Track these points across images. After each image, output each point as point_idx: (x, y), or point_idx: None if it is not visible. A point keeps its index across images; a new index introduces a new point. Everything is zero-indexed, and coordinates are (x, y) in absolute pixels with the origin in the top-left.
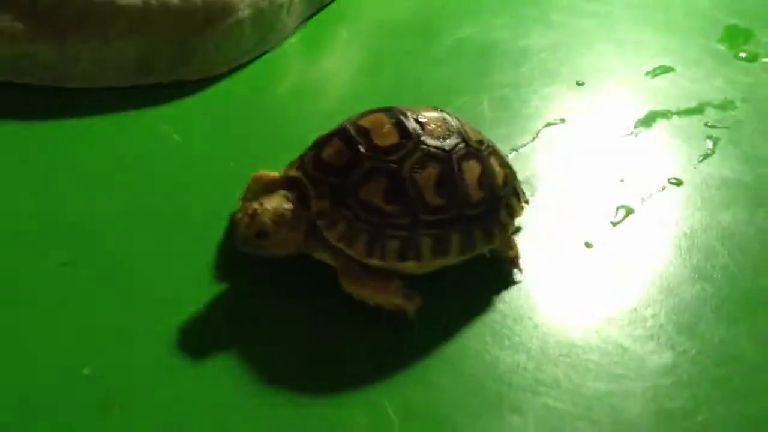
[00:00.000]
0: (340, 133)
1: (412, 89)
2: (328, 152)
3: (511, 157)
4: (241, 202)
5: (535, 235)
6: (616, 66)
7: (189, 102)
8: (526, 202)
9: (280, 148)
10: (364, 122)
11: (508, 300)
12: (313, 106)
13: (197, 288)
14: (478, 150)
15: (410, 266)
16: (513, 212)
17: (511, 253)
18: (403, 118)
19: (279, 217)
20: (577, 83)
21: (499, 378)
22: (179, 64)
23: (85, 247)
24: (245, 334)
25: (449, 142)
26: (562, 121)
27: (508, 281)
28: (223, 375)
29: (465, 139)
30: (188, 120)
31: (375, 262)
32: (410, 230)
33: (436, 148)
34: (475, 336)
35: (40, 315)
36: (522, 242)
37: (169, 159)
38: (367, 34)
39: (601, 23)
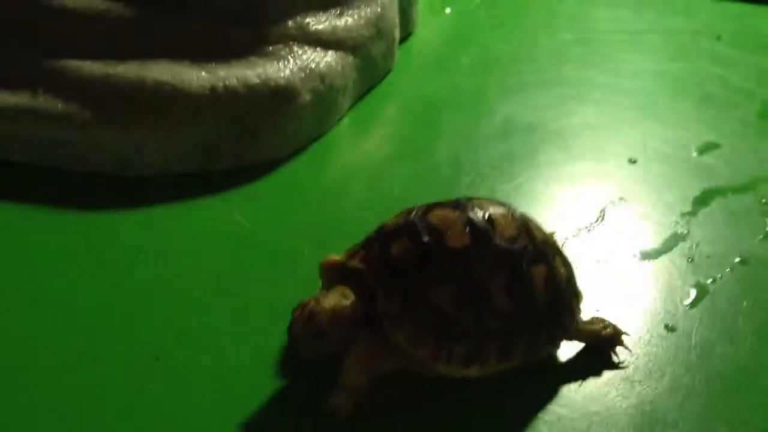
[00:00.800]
0: (409, 229)
1: (468, 169)
2: (396, 249)
3: (577, 238)
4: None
5: (614, 320)
6: (662, 143)
7: (254, 187)
8: (582, 297)
9: (344, 231)
10: (434, 219)
11: (605, 386)
12: (374, 187)
13: (275, 375)
14: (545, 252)
15: (474, 371)
16: (574, 314)
17: (608, 331)
18: (473, 217)
19: (335, 316)
20: (630, 161)
21: None
22: (243, 149)
23: (169, 338)
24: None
25: (518, 245)
26: (622, 199)
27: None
28: None
29: (532, 240)
30: (255, 204)
31: (439, 366)
32: (477, 336)
33: (506, 251)
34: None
35: (136, 407)
36: None
37: (241, 244)
38: (416, 112)
39: (640, 100)
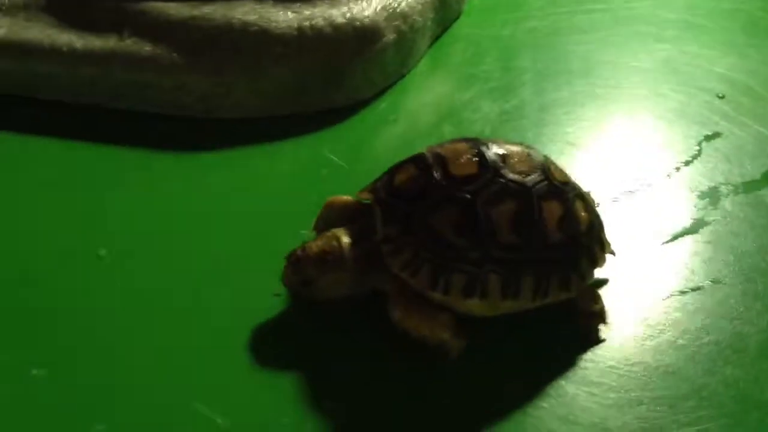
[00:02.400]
0: (416, 159)
1: (555, 107)
2: (401, 177)
3: (678, 173)
4: (314, 232)
5: (728, 252)
6: (748, 78)
7: (341, 127)
8: (612, 252)
9: None
10: (443, 150)
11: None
12: (464, 127)
13: None
14: (562, 191)
15: (475, 305)
16: (595, 262)
17: (595, 307)
18: (484, 149)
19: (320, 261)
20: (717, 96)
21: None
22: (329, 90)
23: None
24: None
25: (530, 179)
26: (716, 134)
27: (590, 338)
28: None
29: (548, 177)
30: (344, 145)
31: (437, 296)
32: (479, 266)
33: (516, 182)
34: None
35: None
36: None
37: (336, 184)
38: (493, 53)
39: (718, 36)
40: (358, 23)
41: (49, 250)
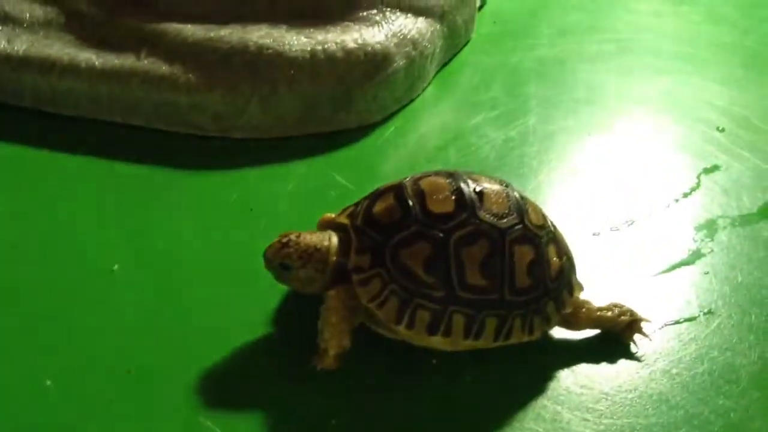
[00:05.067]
0: (397, 189)
1: (561, 135)
2: (379, 207)
3: (677, 204)
4: None
5: (722, 283)
6: (748, 112)
7: (351, 150)
8: (581, 289)
9: None
10: (423, 184)
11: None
12: (470, 152)
13: None
14: (536, 235)
15: (438, 342)
16: (561, 306)
17: (626, 318)
18: (463, 186)
19: (306, 255)
20: (717, 129)
21: None
22: (339, 113)
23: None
24: None
25: (505, 222)
26: (715, 167)
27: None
28: None
29: (523, 221)
30: (355, 167)
31: (402, 329)
32: (444, 305)
33: (490, 225)
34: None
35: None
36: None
37: (346, 205)
38: (500, 80)
39: (719, 70)
40: (369, 48)
41: (62, 264)
